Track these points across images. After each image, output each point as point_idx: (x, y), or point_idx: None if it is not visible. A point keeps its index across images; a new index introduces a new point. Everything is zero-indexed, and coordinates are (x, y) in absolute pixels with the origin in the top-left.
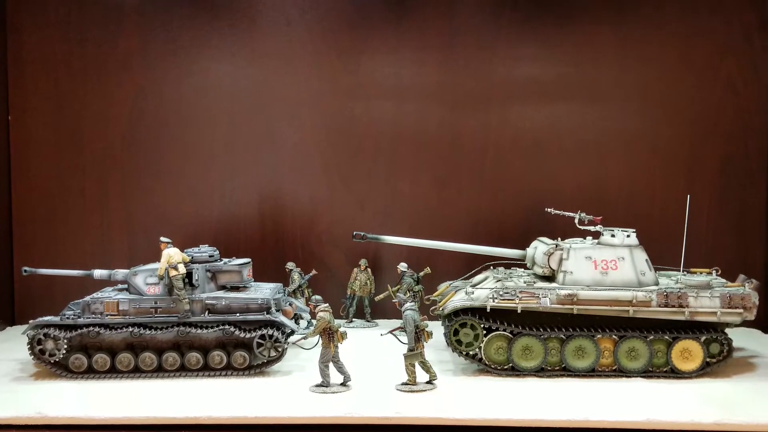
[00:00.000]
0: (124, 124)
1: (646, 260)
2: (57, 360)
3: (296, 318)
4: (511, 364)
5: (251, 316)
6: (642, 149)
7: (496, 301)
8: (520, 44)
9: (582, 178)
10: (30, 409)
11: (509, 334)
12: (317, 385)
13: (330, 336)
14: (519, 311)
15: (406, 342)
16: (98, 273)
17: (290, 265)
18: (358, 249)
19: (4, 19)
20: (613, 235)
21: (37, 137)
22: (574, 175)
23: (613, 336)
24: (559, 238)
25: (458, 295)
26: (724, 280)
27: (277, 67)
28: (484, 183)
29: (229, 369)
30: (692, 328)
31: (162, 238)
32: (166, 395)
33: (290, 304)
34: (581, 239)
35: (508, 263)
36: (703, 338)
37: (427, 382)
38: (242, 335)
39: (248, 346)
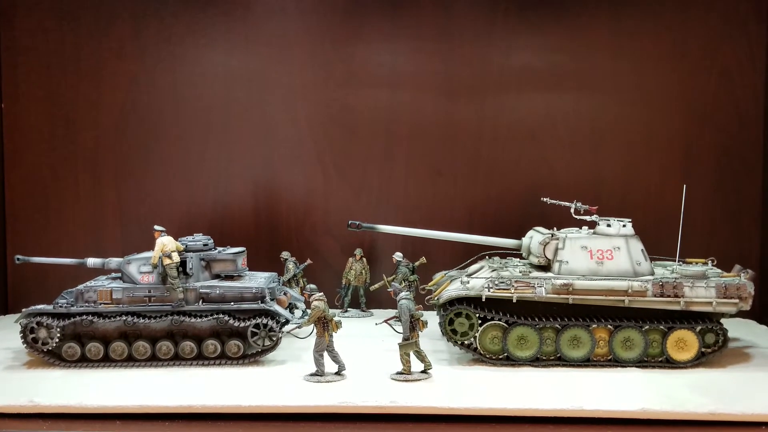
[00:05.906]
0: (118, 113)
1: (642, 250)
2: (50, 349)
3: (291, 307)
4: (506, 354)
5: (246, 305)
6: (638, 139)
7: (491, 290)
8: (515, 34)
9: (577, 167)
10: (22, 397)
11: (504, 324)
12: (312, 374)
13: (324, 325)
14: (514, 301)
15: (401, 331)
16: (91, 261)
17: (285, 254)
18: (353, 238)
19: None
20: (608, 225)
21: (29, 125)
22: (570, 165)
23: (609, 326)
24: (555, 228)
25: (453, 285)
26: (719, 271)
27: (272, 55)
28: (480, 172)
29: (223, 358)
30: (688, 318)
31: (156, 227)
32: (160, 384)
33: (285, 294)
34: (577, 229)
35: (504, 253)
36: (698, 328)
37: (422, 372)
38: (236, 324)
39: (242, 335)
